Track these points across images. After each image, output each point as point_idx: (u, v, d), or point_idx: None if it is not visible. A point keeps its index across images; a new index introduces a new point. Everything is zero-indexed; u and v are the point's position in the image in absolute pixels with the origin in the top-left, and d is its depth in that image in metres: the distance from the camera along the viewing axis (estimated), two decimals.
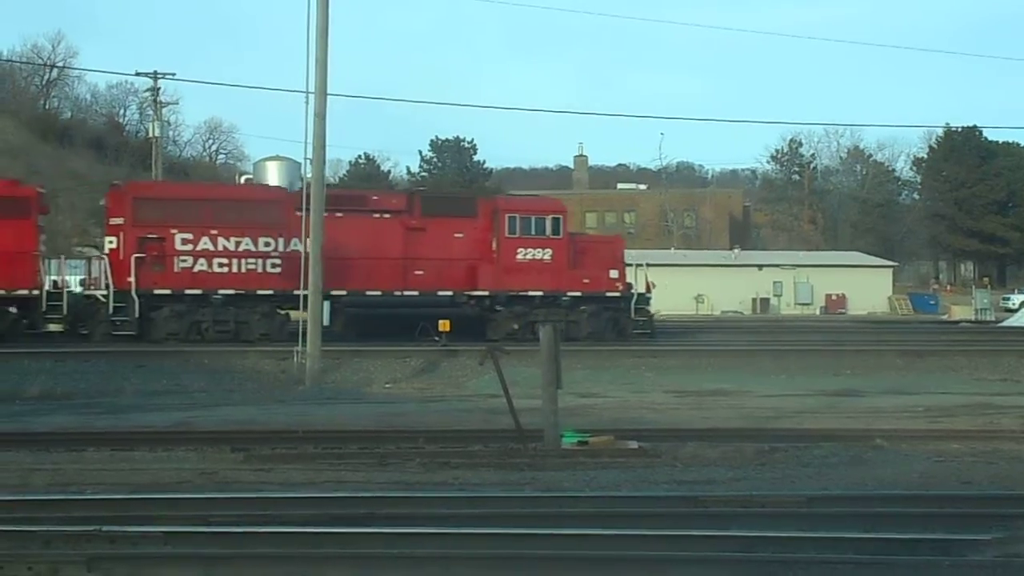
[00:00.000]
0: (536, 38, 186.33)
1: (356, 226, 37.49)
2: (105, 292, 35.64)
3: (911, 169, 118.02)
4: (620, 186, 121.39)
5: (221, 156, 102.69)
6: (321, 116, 29.74)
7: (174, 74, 67.79)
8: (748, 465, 16.53)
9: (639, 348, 36.43)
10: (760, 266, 41.36)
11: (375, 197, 40.43)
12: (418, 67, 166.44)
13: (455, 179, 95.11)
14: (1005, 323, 61.81)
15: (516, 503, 13.01)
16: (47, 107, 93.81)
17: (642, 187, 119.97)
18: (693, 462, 16.79)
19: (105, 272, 35.82)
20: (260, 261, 37.19)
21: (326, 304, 32.70)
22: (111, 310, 35.45)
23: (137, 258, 35.63)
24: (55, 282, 36.31)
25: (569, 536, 11.23)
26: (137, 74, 70.38)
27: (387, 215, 38.70)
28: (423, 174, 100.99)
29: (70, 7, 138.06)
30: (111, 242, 36.60)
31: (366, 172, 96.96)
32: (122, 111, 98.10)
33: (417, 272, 38.42)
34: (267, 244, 37.29)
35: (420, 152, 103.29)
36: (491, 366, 18.42)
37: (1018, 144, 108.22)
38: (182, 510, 12.38)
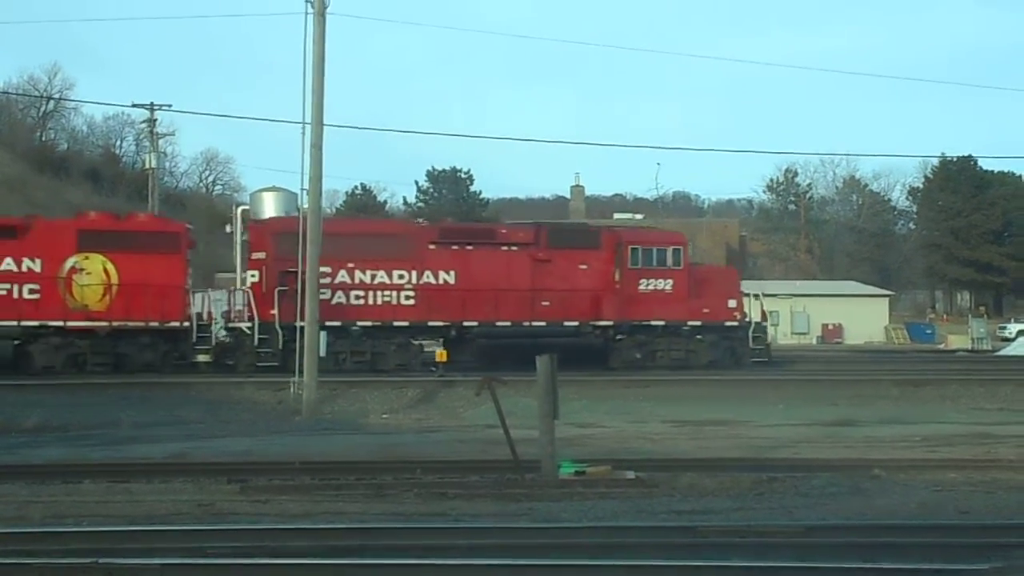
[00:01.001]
0: (532, 68, 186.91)
1: (486, 259, 39.50)
2: (249, 324, 37.07)
3: (907, 199, 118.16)
4: (617, 216, 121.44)
5: (218, 187, 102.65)
6: (317, 147, 29.78)
7: (170, 105, 67.49)
8: (746, 495, 16.50)
9: (636, 378, 36.45)
10: (756, 295, 41.52)
11: (504, 230, 42.20)
12: (414, 97, 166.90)
13: (451, 210, 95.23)
14: (1002, 352, 61.86)
15: (513, 534, 12.98)
16: (43, 139, 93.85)
17: (638, 217, 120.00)
18: (691, 492, 16.76)
19: (250, 304, 37.24)
20: (395, 293, 38.71)
21: (321, 336, 32.73)
22: (256, 342, 36.69)
23: (280, 291, 36.65)
24: (199, 315, 37.42)
25: (566, 567, 11.21)
26: (134, 105, 70.18)
27: (515, 247, 40.30)
28: (419, 205, 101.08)
29: (67, 39, 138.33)
30: (253, 276, 38.14)
31: (362, 203, 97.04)
32: (118, 142, 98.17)
33: (544, 303, 39.92)
34: (401, 276, 38.78)
35: (416, 183, 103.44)
36: (488, 396, 18.41)
37: (1014, 173, 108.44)
38: (179, 542, 12.35)
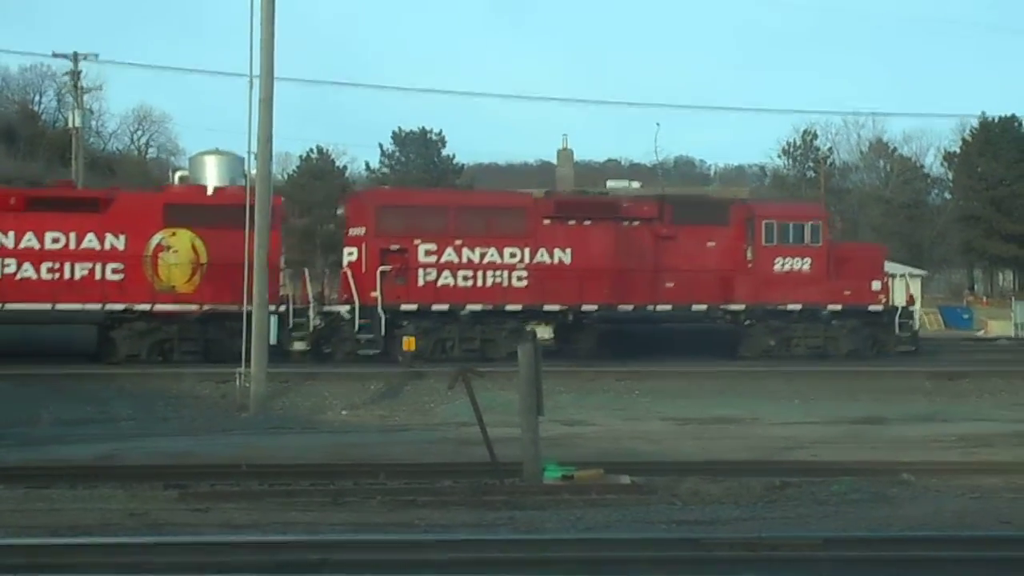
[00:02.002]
0: (514, 15, 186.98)
1: (605, 235, 40.03)
2: (348, 308, 37.70)
3: (942, 165, 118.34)
4: (610, 184, 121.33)
5: (152, 149, 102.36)
6: (267, 102, 29.73)
7: (97, 55, 67.18)
8: (756, 503, 16.58)
9: (631, 369, 36.49)
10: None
11: (625, 204, 42.58)
12: (377, 49, 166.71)
13: (420, 176, 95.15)
14: None
15: (492, 547, 13.01)
16: None
17: (635, 185, 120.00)
18: (693, 499, 16.84)
19: (348, 285, 37.98)
20: (506, 274, 39.25)
21: (272, 321, 32.71)
22: (356, 327, 37.31)
23: (382, 272, 37.75)
24: (291, 297, 37.90)
25: None
26: (54, 55, 69.91)
27: (636, 223, 40.70)
28: (384, 170, 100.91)
29: None
30: (351, 254, 38.91)
31: (318, 167, 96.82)
32: (37, 98, 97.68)
33: (668, 284, 40.21)
34: (513, 255, 39.34)
35: (380, 145, 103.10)
36: (462, 390, 18.44)
37: None
38: (108, 556, 12.35)
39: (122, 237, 36.26)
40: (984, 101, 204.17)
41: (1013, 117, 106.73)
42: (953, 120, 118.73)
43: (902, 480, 18.65)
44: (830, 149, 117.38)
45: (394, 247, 38.09)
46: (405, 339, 36.87)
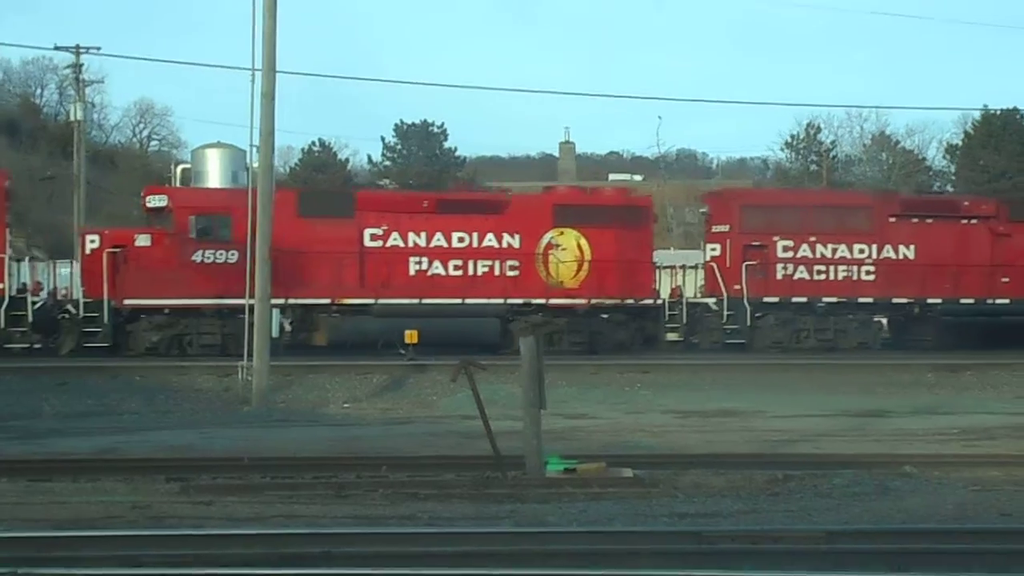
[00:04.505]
0: (516, 8, 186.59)
1: (946, 233, 43.04)
2: (714, 300, 41.38)
3: (944, 157, 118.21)
4: (612, 177, 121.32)
5: (154, 143, 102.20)
6: (269, 96, 29.68)
7: (99, 48, 67.15)
8: (759, 496, 16.58)
9: (633, 362, 36.54)
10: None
11: (966, 203, 45.96)
12: (380, 42, 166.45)
13: (422, 168, 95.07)
14: None
15: (494, 540, 13.01)
16: None
17: (637, 178, 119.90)
18: (696, 492, 16.84)
19: (715, 279, 41.57)
20: (855, 268, 42.45)
21: (274, 314, 32.71)
22: (724, 318, 40.90)
23: (748, 265, 41.07)
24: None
25: None
26: (56, 48, 69.94)
27: (974, 221, 43.87)
28: (386, 163, 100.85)
29: None
30: (714, 249, 42.42)
31: (321, 160, 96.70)
32: (39, 91, 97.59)
33: (1004, 279, 43.07)
34: (862, 251, 42.52)
35: (383, 138, 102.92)
36: (465, 383, 18.43)
37: None
38: (110, 549, 12.35)
39: (517, 236, 39.72)
40: (987, 94, 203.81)
41: (1015, 110, 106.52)
42: (956, 113, 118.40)
43: (904, 473, 18.66)
44: (833, 142, 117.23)
45: (755, 243, 41.61)
46: (407, 332, 36.86)
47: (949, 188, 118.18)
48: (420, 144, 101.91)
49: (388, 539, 13.04)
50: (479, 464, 18.32)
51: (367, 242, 38.64)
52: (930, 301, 42.35)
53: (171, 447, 22.67)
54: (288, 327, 36.67)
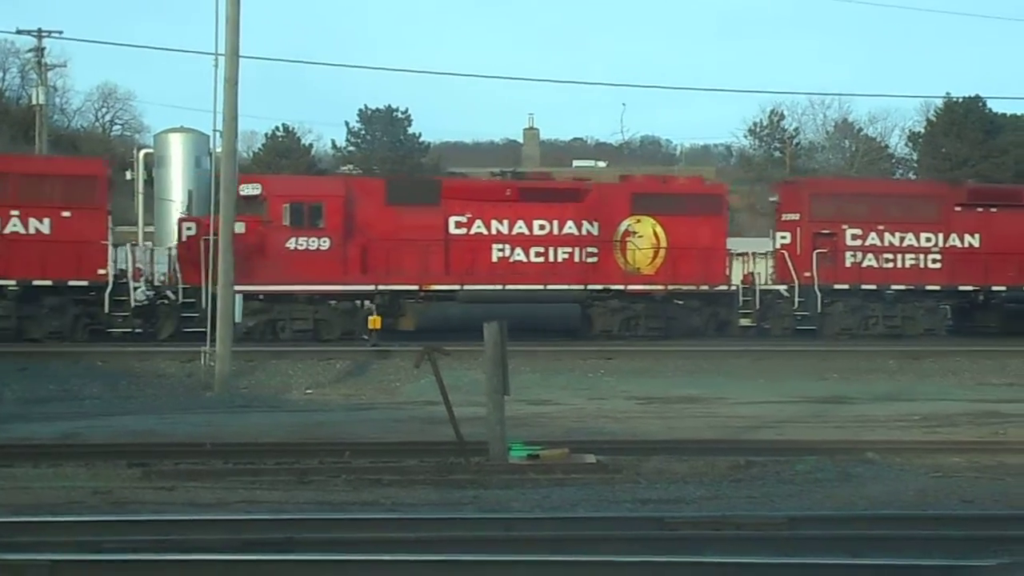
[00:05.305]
0: None
1: (1010, 222, 43.83)
2: (785, 287, 42.05)
3: (906, 145, 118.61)
4: (576, 163, 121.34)
5: (116, 127, 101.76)
6: (232, 82, 29.59)
7: (61, 32, 67.09)
8: (721, 482, 16.63)
9: (596, 348, 36.58)
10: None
11: None
12: (343, 27, 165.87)
13: (386, 154, 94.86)
14: None
15: (457, 526, 13.02)
16: None
17: (601, 164, 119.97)
18: (659, 478, 16.87)
19: (785, 267, 42.02)
20: (922, 256, 43.33)
21: (237, 300, 32.61)
22: (795, 304, 41.67)
23: (818, 253, 41.80)
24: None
25: (517, 563, 11.26)
26: (18, 32, 69.52)
27: None
28: (350, 148, 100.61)
29: None
30: (783, 237, 43.03)
31: (285, 146, 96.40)
32: (0, 75, 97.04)
33: None
34: (928, 240, 43.41)
35: (346, 123, 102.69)
36: (428, 369, 18.43)
37: None
38: (71, 535, 12.30)
39: (596, 224, 40.35)
40: (949, 82, 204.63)
41: (977, 98, 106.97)
42: (918, 101, 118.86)
43: (866, 459, 18.73)
44: (796, 129, 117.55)
45: (825, 231, 42.28)
46: (371, 318, 36.85)
47: (912, 176, 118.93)
48: (384, 129, 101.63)
49: (350, 525, 13.02)
50: (442, 450, 18.32)
51: (452, 229, 39.27)
52: (994, 288, 43.50)
53: (133, 432, 22.60)
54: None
